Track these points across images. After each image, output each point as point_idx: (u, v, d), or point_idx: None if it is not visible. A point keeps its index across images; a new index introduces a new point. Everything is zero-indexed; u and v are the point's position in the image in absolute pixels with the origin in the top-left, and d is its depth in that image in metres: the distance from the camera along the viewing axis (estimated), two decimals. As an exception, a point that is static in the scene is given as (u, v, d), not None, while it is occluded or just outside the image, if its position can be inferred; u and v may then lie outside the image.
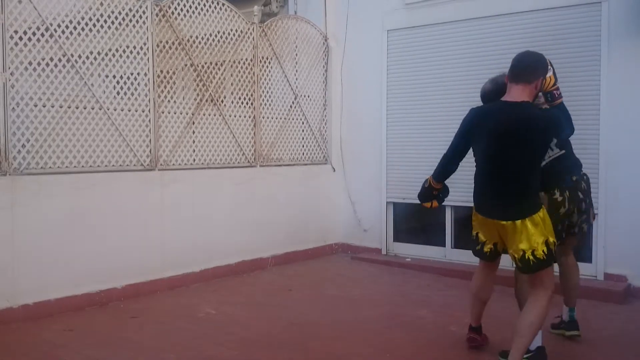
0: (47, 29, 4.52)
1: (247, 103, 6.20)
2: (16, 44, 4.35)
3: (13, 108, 4.34)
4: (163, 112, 5.35)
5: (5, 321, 4.23)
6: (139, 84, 5.14)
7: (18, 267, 4.35)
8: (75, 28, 4.69)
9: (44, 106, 4.52)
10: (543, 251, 3.13)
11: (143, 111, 5.18)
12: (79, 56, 4.74)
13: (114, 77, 4.98)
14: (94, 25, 4.82)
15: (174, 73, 5.47)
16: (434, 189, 3.73)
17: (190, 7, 5.58)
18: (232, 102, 6.05)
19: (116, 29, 4.96)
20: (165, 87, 5.36)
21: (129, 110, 5.07)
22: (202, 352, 3.80)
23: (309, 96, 6.97)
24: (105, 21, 4.90)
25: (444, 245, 6.45)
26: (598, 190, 5.38)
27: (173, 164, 5.45)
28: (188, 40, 5.56)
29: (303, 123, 6.92)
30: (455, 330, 4.25)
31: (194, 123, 5.64)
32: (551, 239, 3.18)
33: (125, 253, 5.01)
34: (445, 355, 3.79)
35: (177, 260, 5.43)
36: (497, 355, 3.61)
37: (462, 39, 6.18)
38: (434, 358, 3.77)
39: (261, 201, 6.29)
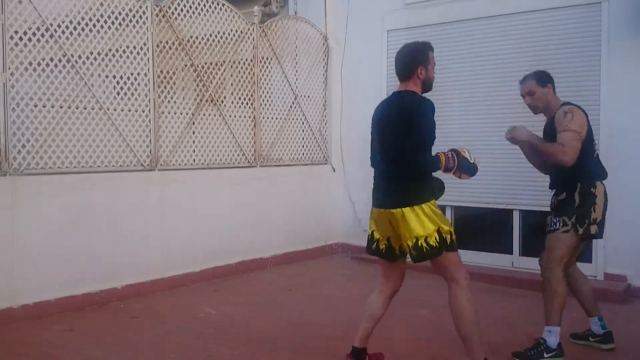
0: (47, 29, 4.53)
1: (247, 103, 6.20)
2: (16, 44, 4.35)
3: (13, 108, 4.34)
4: (163, 113, 5.35)
5: (5, 321, 4.23)
6: (139, 84, 5.14)
7: (18, 267, 4.35)
8: (75, 28, 4.69)
9: (44, 106, 4.52)
10: (435, 239, 3.09)
11: (143, 111, 5.18)
12: (79, 56, 4.74)
13: (114, 77, 4.99)
14: (94, 25, 4.82)
15: (174, 73, 5.47)
16: (453, 158, 3.39)
17: (190, 7, 5.58)
18: (232, 103, 6.05)
19: (116, 29, 4.96)
20: (165, 87, 5.36)
21: (129, 111, 5.07)
22: (202, 352, 3.80)
23: (309, 96, 6.97)
24: (106, 21, 4.90)
25: (444, 245, 6.43)
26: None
27: (173, 164, 5.45)
28: (188, 41, 5.57)
29: (303, 123, 6.92)
30: (454, 330, 4.23)
31: (194, 123, 5.64)
32: (445, 227, 3.12)
33: (125, 253, 5.01)
34: (445, 355, 3.79)
35: (177, 260, 5.43)
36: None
37: (462, 39, 6.19)
38: (434, 357, 3.77)
39: (261, 201, 6.29)
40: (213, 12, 5.80)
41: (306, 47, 6.92)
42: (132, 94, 5.10)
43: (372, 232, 3.48)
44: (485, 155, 5.96)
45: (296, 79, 6.81)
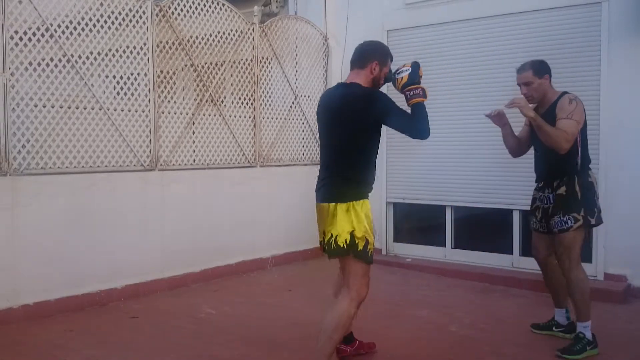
0: (47, 30, 4.53)
1: (247, 103, 6.20)
2: (16, 44, 4.35)
3: (13, 108, 4.34)
4: (163, 113, 5.35)
5: (5, 321, 4.23)
6: (139, 84, 5.14)
7: (18, 267, 4.35)
8: (75, 28, 4.69)
9: (44, 106, 4.52)
10: (345, 240, 3.05)
11: (143, 111, 5.18)
12: (79, 56, 4.74)
13: (114, 77, 4.99)
14: (94, 25, 4.82)
15: (174, 73, 5.47)
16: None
17: (191, 7, 5.58)
18: (232, 103, 6.06)
19: (116, 29, 4.96)
20: (165, 87, 5.36)
21: (129, 111, 5.07)
22: (202, 352, 3.81)
23: (309, 96, 6.97)
24: (106, 21, 4.90)
25: (444, 245, 6.44)
26: (598, 190, 5.37)
27: (173, 164, 5.45)
28: (188, 41, 5.57)
29: (303, 123, 6.92)
30: (455, 331, 4.25)
31: (194, 123, 5.64)
32: (359, 234, 3.05)
33: (125, 253, 5.01)
34: (445, 355, 3.79)
35: (177, 260, 5.43)
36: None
37: (462, 39, 6.19)
38: (434, 358, 3.77)
39: (261, 201, 6.29)
40: (213, 12, 5.80)
41: (306, 47, 6.92)
42: (132, 94, 5.10)
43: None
44: (485, 155, 5.97)
45: (296, 79, 6.81)
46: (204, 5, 5.71)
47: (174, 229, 5.41)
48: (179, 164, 5.51)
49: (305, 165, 6.93)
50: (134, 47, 5.10)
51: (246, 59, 6.17)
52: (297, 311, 4.75)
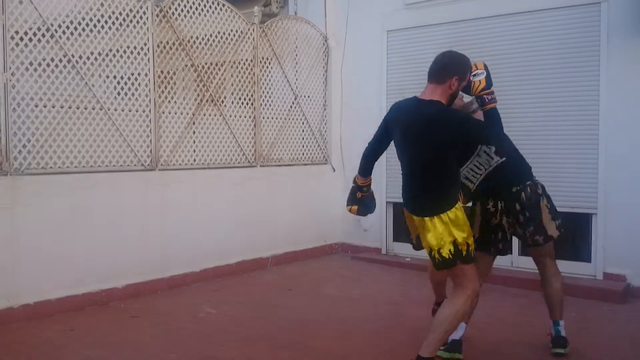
0: (47, 30, 4.53)
1: (247, 103, 6.21)
2: (17, 44, 4.36)
3: (14, 108, 4.35)
4: (163, 113, 5.35)
5: (5, 321, 4.23)
6: (139, 84, 5.15)
7: (18, 267, 4.35)
8: (75, 29, 4.70)
9: (45, 106, 4.52)
10: (450, 250, 3.09)
11: (144, 111, 5.19)
12: (80, 57, 4.74)
13: (115, 77, 4.99)
14: (95, 25, 4.82)
15: (174, 73, 5.48)
16: (360, 187, 3.59)
17: (191, 7, 5.59)
18: (233, 103, 6.06)
19: (117, 29, 4.97)
20: (165, 87, 5.37)
21: (130, 111, 5.08)
22: (202, 352, 3.81)
23: (309, 96, 6.98)
24: (106, 22, 4.90)
25: (443, 245, 6.44)
26: (597, 190, 5.39)
27: (173, 164, 5.46)
28: (188, 41, 5.57)
29: (303, 123, 6.93)
30: (455, 330, 4.25)
31: (194, 123, 5.65)
32: (460, 240, 3.10)
33: (125, 253, 5.02)
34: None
35: (177, 260, 5.44)
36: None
37: (462, 39, 6.18)
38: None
39: (261, 201, 6.29)
40: (213, 12, 5.80)
41: (306, 47, 6.93)
42: (133, 94, 5.10)
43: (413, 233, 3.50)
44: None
45: (296, 79, 6.82)
46: (204, 6, 5.71)
47: (174, 228, 5.42)
48: (180, 164, 5.52)
49: (305, 165, 6.94)
50: (135, 48, 5.10)
51: (246, 59, 6.18)
52: (297, 311, 4.76)
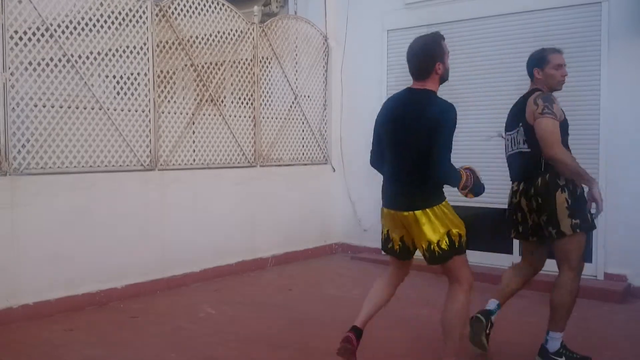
0: (47, 29, 4.52)
1: (247, 103, 6.20)
2: (16, 44, 4.35)
3: (13, 108, 4.34)
4: (163, 112, 5.35)
5: (5, 321, 4.23)
6: (139, 84, 5.14)
7: (18, 267, 4.35)
8: (75, 28, 4.69)
9: (44, 106, 4.52)
10: (446, 242, 3.08)
11: (143, 111, 5.18)
12: (79, 56, 4.74)
13: (114, 77, 4.99)
14: (94, 25, 4.82)
15: (174, 73, 5.47)
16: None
17: (190, 7, 5.58)
18: (232, 102, 6.06)
19: (116, 29, 4.96)
20: (165, 87, 5.36)
21: (129, 111, 5.07)
22: (202, 352, 3.80)
23: (309, 96, 6.97)
24: (105, 21, 4.90)
25: (444, 245, 6.43)
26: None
27: (173, 164, 5.45)
28: (188, 41, 5.57)
29: (303, 123, 6.92)
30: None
31: (194, 123, 5.64)
32: (454, 230, 3.10)
33: (125, 253, 5.01)
34: (445, 355, 3.78)
35: (177, 260, 5.43)
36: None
37: (462, 39, 6.18)
38: (434, 357, 3.76)
39: (261, 201, 6.29)
40: (213, 12, 5.80)
41: (306, 47, 6.92)
42: (132, 94, 5.10)
43: (388, 231, 3.39)
44: (484, 156, 5.97)
45: (296, 79, 6.81)
46: (204, 5, 5.71)
47: (174, 228, 5.41)
48: (179, 164, 5.51)
49: (305, 165, 6.93)
50: (134, 47, 5.10)
51: (246, 59, 6.17)
52: (297, 311, 4.75)
